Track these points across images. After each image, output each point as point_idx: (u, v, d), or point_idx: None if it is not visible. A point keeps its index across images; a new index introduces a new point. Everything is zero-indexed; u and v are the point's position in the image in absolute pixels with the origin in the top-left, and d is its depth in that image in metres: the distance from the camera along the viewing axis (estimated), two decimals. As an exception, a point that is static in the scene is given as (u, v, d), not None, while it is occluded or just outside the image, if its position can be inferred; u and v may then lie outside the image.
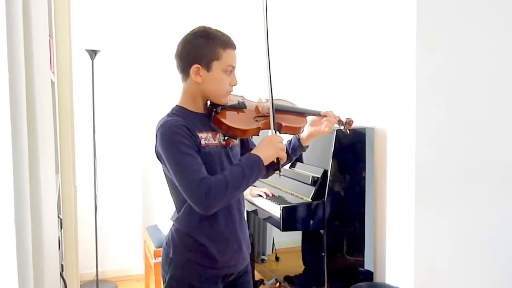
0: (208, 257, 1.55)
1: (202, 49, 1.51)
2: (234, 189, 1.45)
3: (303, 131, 1.76)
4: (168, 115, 1.55)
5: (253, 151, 1.53)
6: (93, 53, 3.52)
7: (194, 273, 1.57)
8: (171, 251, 1.59)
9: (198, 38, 1.53)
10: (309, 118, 1.77)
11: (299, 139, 1.77)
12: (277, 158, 1.55)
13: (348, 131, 1.80)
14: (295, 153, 1.79)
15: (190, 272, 1.57)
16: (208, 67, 1.52)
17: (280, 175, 1.59)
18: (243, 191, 1.56)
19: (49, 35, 1.83)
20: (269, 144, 1.53)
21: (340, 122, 1.77)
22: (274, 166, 1.58)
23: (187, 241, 1.55)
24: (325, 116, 1.72)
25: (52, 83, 1.93)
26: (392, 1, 2.45)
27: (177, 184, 1.47)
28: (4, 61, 0.82)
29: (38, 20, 1.13)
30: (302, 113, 1.77)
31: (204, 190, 1.40)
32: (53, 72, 2.03)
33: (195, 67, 1.52)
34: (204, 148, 1.52)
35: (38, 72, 1.05)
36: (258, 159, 1.50)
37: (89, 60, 3.53)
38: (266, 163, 1.52)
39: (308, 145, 1.80)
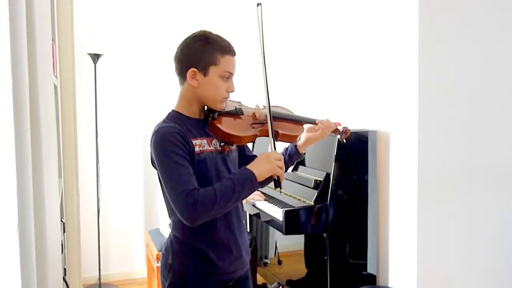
0: (208, 263, 1.54)
1: (199, 53, 1.51)
2: (222, 204, 1.42)
3: (299, 139, 1.76)
4: (164, 120, 1.54)
5: (248, 166, 1.49)
6: (95, 57, 3.53)
7: (194, 279, 1.56)
8: (170, 257, 1.58)
9: (197, 42, 1.52)
10: (306, 126, 1.77)
11: (295, 146, 1.77)
12: (277, 176, 1.51)
13: (345, 140, 1.81)
14: (291, 160, 1.79)
15: (189, 279, 1.56)
16: (204, 72, 1.51)
17: (281, 192, 1.55)
18: (233, 206, 1.52)
19: (52, 39, 1.83)
20: (265, 160, 1.49)
21: (337, 131, 1.77)
22: (275, 184, 1.53)
23: (186, 248, 1.55)
24: (318, 124, 1.73)
25: (55, 87, 1.94)
26: (394, 3, 2.45)
27: (166, 193, 1.46)
28: (7, 66, 0.82)
29: (41, 24, 1.13)
30: (299, 121, 1.77)
31: (191, 202, 1.38)
32: (56, 76, 2.04)
33: (191, 70, 1.51)
34: (198, 155, 1.50)
35: (42, 77, 1.06)
36: (251, 175, 1.46)
37: (91, 64, 3.53)
38: (260, 179, 1.48)
39: (305, 153, 1.80)
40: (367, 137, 2.54)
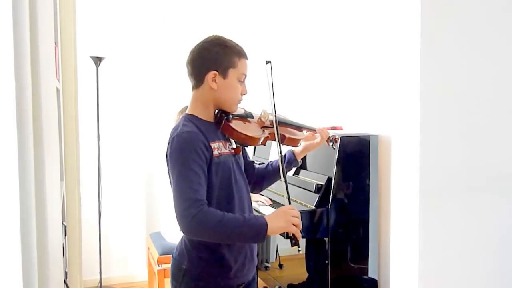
0: (224, 267, 1.55)
1: (219, 56, 1.54)
2: (221, 232, 1.42)
3: (300, 144, 1.85)
4: (183, 124, 1.54)
5: (266, 216, 1.47)
6: (98, 60, 3.53)
7: (210, 284, 1.56)
8: (186, 262, 1.57)
9: (215, 46, 1.56)
10: (304, 133, 1.88)
11: (294, 153, 1.86)
12: (293, 234, 1.49)
13: (334, 148, 1.98)
14: (290, 166, 1.88)
15: (205, 284, 1.56)
16: (224, 75, 1.55)
17: (299, 250, 1.52)
18: (230, 241, 1.51)
19: (55, 43, 1.84)
20: (282, 216, 1.48)
21: (328, 139, 1.90)
22: (291, 242, 1.50)
23: (203, 252, 1.55)
24: (317, 132, 1.86)
25: (58, 90, 1.95)
26: (396, 6, 2.45)
27: (172, 195, 1.46)
28: (11, 69, 0.83)
29: (44, 28, 1.14)
30: (299, 127, 1.88)
31: (193, 212, 1.39)
32: (58, 80, 2.04)
33: (212, 73, 1.54)
34: (218, 158, 1.53)
35: (44, 80, 1.06)
36: (264, 226, 1.44)
37: (94, 67, 3.54)
38: (271, 233, 1.47)
39: (301, 160, 1.90)
40: (369, 141, 2.54)
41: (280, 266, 3.23)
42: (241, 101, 1.63)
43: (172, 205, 1.61)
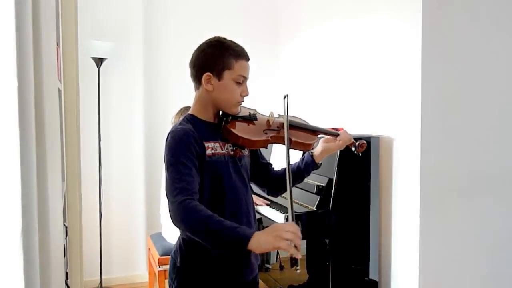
0: (216, 267, 1.55)
1: (214, 58, 1.55)
2: (199, 230, 1.35)
3: (314, 148, 1.78)
4: (180, 123, 1.58)
5: (256, 232, 1.32)
6: (99, 61, 3.54)
7: (201, 283, 1.57)
8: (179, 260, 1.59)
9: (211, 47, 1.57)
10: (322, 136, 1.80)
11: (312, 155, 1.78)
12: (293, 257, 1.31)
13: (360, 154, 1.82)
14: (307, 169, 1.79)
15: (197, 282, 1.57)
16: (219, 76, 1.55)
17: (297, 270, 1.39)
18: (208, 240, 1.38)
19: (57, 44, 1.84)
20: (271, 231, 1.31)
21: (352, 143, 1.80)
22: (290, 262, 1.35)
23: (195, 251, 1.55)
24: (338, 134, 1.76)
25: (59, 91, 1.95)
26: (398, 9, 2.46)
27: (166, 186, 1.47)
28: (13, 70, 0.83)
29: (47, 29, 1.14)
30: (314, 131, 1.79)
31: (181, 198, 1.38)
32: (60, 80, 2.04)
33: (206, 75, 1.55)
34: (210, 158, 1.53)
35: (47, 81, 1.06)
36: (247, 237, 1.29)
37: (95, 68, 3.55)
38: (255, 249, 1.29)
39: (321, 163, 1.80)
40: (370, 143, 2.54)
41: (281, 267, 3.23)
42: (241, 102, 1.62)
43: None
